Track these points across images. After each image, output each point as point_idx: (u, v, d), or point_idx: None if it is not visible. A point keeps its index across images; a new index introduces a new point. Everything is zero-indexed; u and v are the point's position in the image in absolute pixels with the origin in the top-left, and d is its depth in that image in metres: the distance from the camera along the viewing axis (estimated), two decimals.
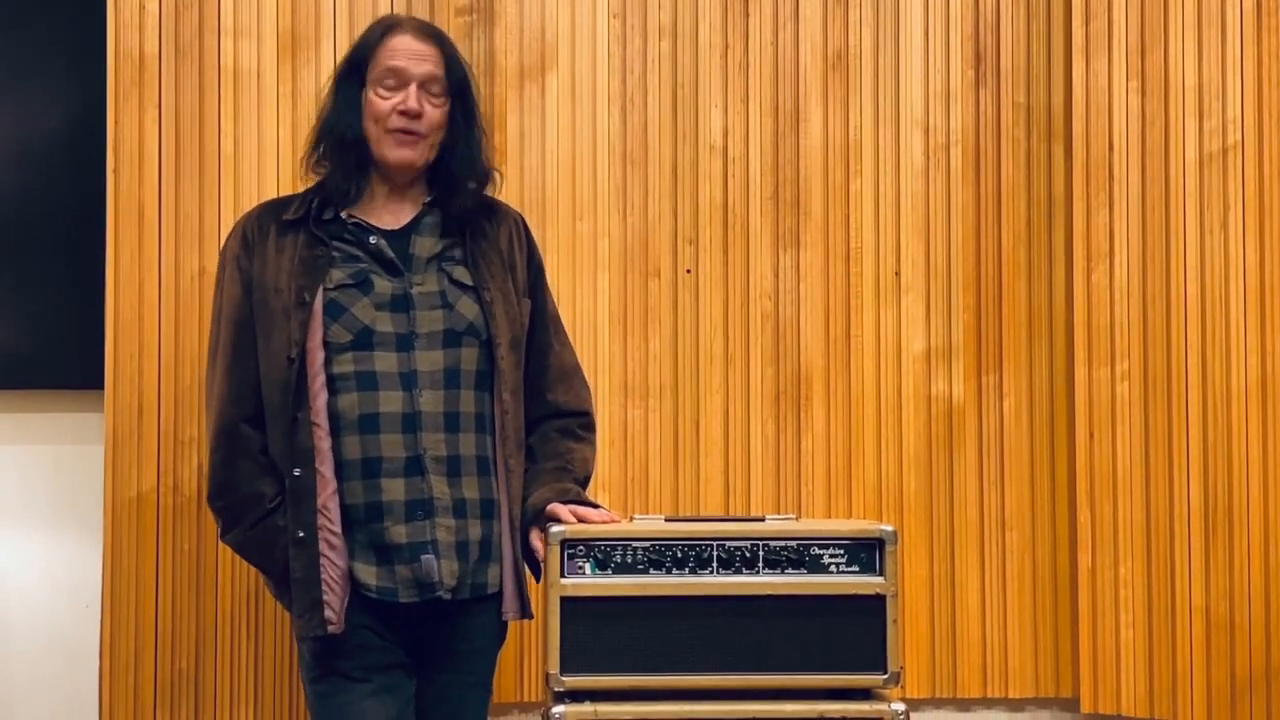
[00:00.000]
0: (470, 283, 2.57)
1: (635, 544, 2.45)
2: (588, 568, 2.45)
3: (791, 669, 2.42)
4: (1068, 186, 3.29)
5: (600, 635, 2.42)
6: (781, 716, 2.40)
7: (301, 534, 2.47)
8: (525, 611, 2.57)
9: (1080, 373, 3.24)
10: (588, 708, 2.40)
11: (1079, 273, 3.25)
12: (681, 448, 3.25)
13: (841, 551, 2.46)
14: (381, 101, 2.55)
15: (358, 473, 2.48)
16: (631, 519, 2.64)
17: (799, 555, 2.45)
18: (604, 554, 2.45)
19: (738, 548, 2.45)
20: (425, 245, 2.58)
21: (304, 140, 3.12)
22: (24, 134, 3.19)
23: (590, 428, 2.70)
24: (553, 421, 2.66)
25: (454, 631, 2.53)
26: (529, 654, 3.18)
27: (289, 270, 2.52)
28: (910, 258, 3.30)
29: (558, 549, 2.44)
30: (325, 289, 2.51)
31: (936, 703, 3.27)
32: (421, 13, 3.12)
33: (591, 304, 3.24)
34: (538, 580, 2.53)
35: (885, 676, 2.42)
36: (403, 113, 2.54)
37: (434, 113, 2.57)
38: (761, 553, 2.45)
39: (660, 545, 2.45)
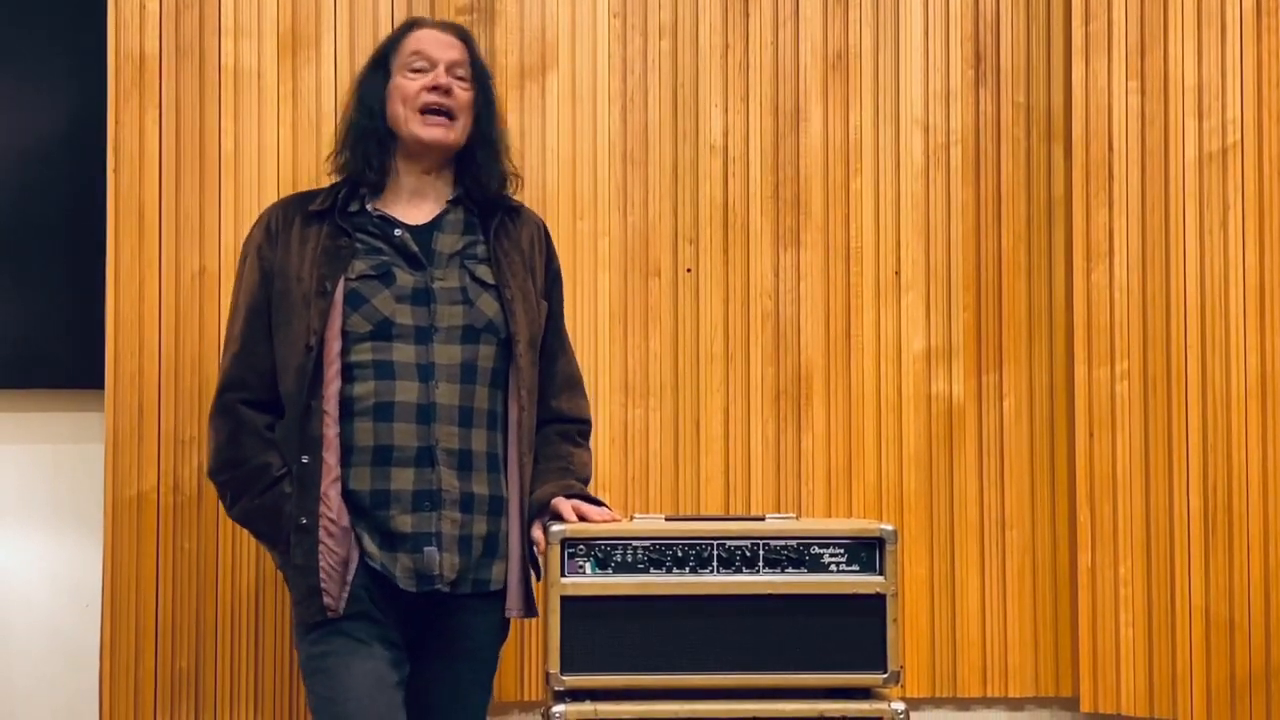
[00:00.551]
0: (492, 281, 2.58)
1: (635, 543, 2.45)
2: (588, 567, 2.45)
3: (791, 668, 2.43)
4: (1067, 186, 3.29)
5: (600, 634, 2.42)
6: (781, 715, 2.41)
7: (304, 520, 2.47)
8: (530, 610, 2.57)
9: (1080, 372, 3.24)
10: (588, 707, 2.40)
11: (1079, 272, 3.25)
12: (682, 447, 3.25)
13: (841, 551, 2.46)
14: (409, 83, 2.58)
15: (367, 459, 2.48)
16: (632, 518, 2.65)
17: (799, 554, 2.45)
18: (604, 553, 2.45)
19: (738, 547, 2.45)
20: (448, 241, 2.59)
21: (304, 140, 3.15)
22: (24, 134, 3.19)
23: (588, 436, 2.73)
24: (554, 425, 2.67)
25: (454, 626, 2.54)
26: (529, 653, 3.18)
27: (311, 260, 2.53)
28: (910, 257, 3.30)
29: (558, 548, 2.44)
30: (347, 279, 2.51)
31: (936, 702, 3.27)
32: (421, 12, 3.12)
33: (592, 303, 3.24)
34: (538, 577, 2.54)
35: (885, 676, 2.43)
36: (433, 88, 2.57)
37: (463, 93, 2.61)
38: (762, 552, 2.45)
39: (660, 544, 2.45)
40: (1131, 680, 3.19)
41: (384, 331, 2.51)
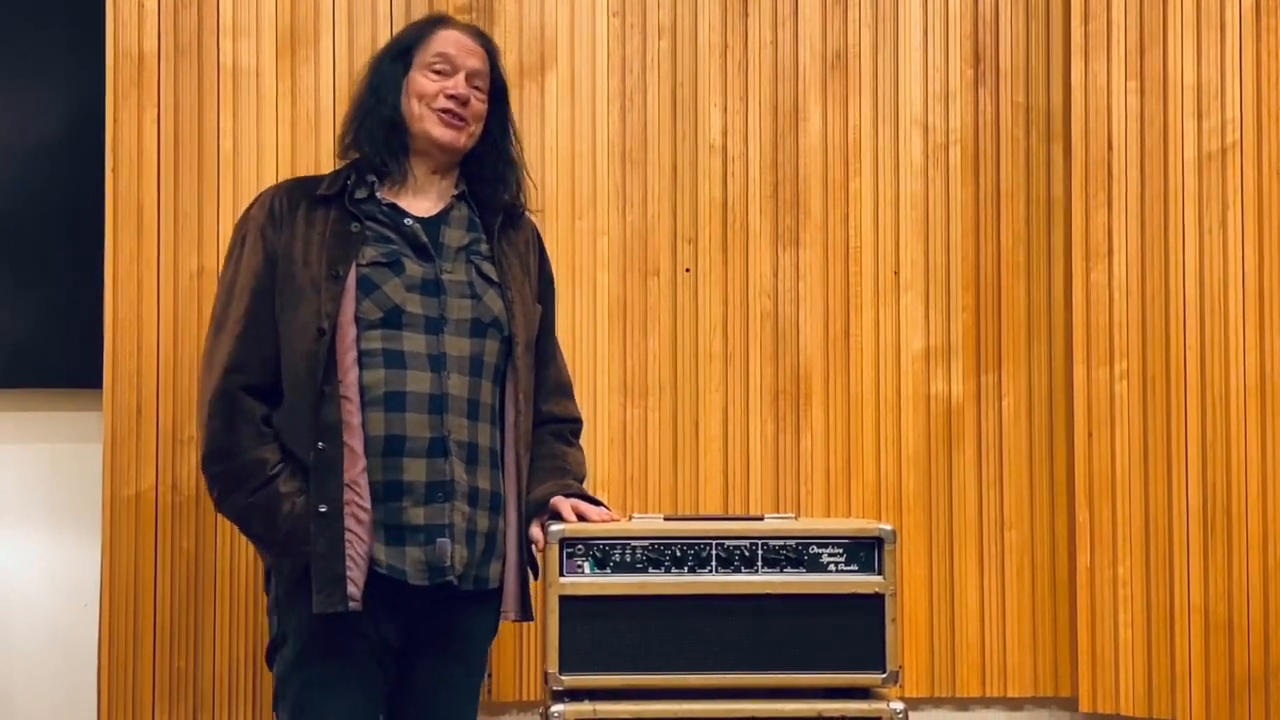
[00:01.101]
0: (496, 279, 2.59)
1: (634, 543, 2.45)
2: (586, 567, 2.45)
3: (790, 668, 2.42)
4: (1067, 186, 3.29)
5: (599, 634, 2.42)
6: (780, 715, 2.40)
7: (324, 509, 2.42)
8: (527, 614, 2.56)
9: (1079, 372, 3.24)
10: (586, 706, 2.39)
11: (1078, 272, 3.25)
12: (680, 447, 3.25)
13: (840, 550, 2.46)
14: (429, 82, 2.59)
15: (379, 450, 2.45)
16: (630, 518, 2.65)
17: (798, 554, 2.45)
18: (603, 553, 2.45)
19: (736, 547, 2.45)
20: (454, 236, 2.60)
21: (302, 139, 3.15)
22: (23, 133, 3.18)
23: (579, 435, 2.73)
24: (547, 426, 2.67)
25: (451, 623, 2.53)
26: (528, 653, 3.18)
27: (319, 244, 2.51)
28: (909, 257, 3.30)
29: (556, 548, 2.44)
30: (358, 265, 2.50)
31: (935, 702, 3.27)
32: (421, 11, 3.12)
33: (591, 303, 3.24)
34: (535, 576, 2.53)
35: (884, 675, 2.42)
36: (451, 96, 2.57)
37: (478, 105, 2.62)
38: (760, 552, 2.45)
39: (659, 544, 2.45)
40: (1130, 680, 3.19)
41: (394, 319, 2.49)
